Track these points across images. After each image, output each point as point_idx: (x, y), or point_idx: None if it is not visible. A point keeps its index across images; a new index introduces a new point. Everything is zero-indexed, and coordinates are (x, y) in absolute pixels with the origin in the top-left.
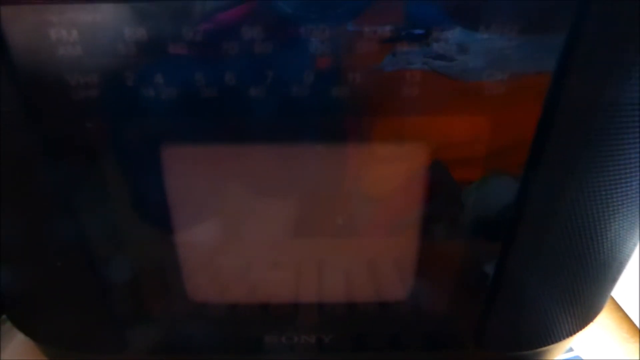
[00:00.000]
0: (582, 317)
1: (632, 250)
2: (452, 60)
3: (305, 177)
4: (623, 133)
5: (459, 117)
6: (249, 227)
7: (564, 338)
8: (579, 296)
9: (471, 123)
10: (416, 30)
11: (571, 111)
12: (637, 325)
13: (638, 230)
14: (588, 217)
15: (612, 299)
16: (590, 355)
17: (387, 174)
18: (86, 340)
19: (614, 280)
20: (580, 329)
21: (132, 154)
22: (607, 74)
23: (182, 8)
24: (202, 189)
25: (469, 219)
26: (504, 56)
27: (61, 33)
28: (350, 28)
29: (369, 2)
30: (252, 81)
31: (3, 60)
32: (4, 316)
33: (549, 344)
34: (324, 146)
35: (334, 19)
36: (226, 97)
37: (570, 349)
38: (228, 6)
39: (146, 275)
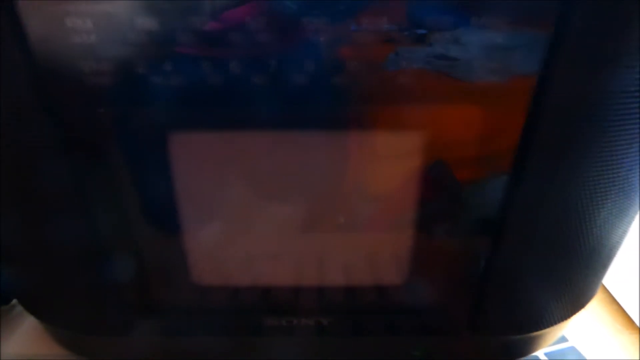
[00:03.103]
0: (573, 302)
1: (621, 238)
2: (454, 59)
3: (309, 169)
4: (609, 124)
5: (455, 114)
6: (252, 216)
7: (556, 323)
8: (569, 282)
9: (466, 119)
10: (417, 30)
11: (558, 105)
12: (631, 316)
13: (626, 218)
14: (576, 205)
15: (607, 291)
16: (585, 346)
17: (387, 169)
18: (94, 324)
19: (604, 267)
20: (572, 315)
21: (142, 140)
22: (592, 68)
23: (193, 3)
24: (208, 177)
25: (463, 212)
26: (497, 51)
27: (76, 22)
28: (353, 27)
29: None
30: (257, 76)
31: (21, 47)
32: (5, 307)
33: (541, 329)
34: (327, 139)
35: (337, 16)
36: (232, 88)
37: (566, 339)
38: (236, 4)
39: (152, 262)
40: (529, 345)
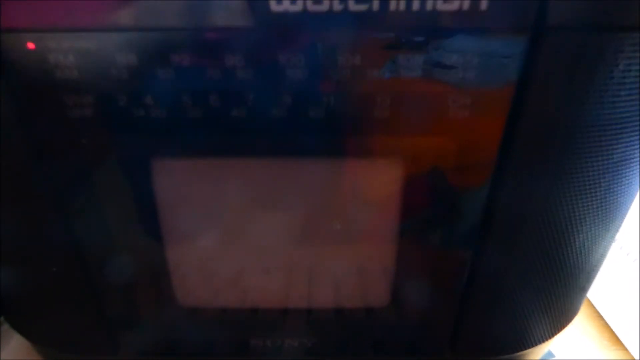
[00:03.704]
0: (555, 321)
1: (602, 257)
2: (453, 67)
3: (293, 188)
4: (585, 142)
5: (434, 127)
6: (236, 236)
7: (539, 342)
8: (551, 302)
9: (444, 134)
10: (416, 38)
11: (534, 120)
12: (617, 333)
13: (604, 242)
14: (555, 226)
15: (593, 307)
16: None
17: (370, 186)
18: (80, 342)
19: (584, 287)
20: (555, 334)
21: (125, 168)
22: (562, 103)
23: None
24: (191, 200)
25: (441, 228)
26: (476, 61)
27: (58, 58)
28: (351, 35)
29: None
30: (238, 109)
31: (3, 81)
32: (1, 317)
33: (524, 349)
34: (313, 158)
35: (335, 23)
36: (212, 114)
37: (552, 355)
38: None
39: (138, 281)
40: None
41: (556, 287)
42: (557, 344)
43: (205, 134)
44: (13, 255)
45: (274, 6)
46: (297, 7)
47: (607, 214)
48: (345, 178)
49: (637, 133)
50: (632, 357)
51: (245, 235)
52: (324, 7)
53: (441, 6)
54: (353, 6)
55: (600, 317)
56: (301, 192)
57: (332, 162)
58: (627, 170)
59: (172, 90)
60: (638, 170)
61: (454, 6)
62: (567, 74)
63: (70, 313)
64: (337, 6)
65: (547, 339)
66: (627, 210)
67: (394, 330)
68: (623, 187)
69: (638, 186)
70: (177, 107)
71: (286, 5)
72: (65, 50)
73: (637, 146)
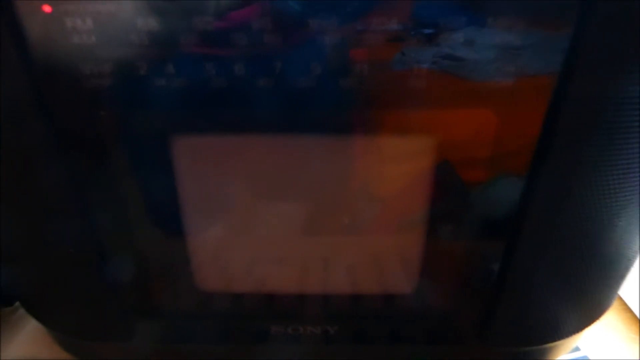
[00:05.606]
0: (588, 314)
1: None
2: (461, 60)
3: (314, 174)
4: (629, 128)
5: (467, 116)
6: (256, 221)
7: (569, 335)
8: (585, 293)
9: (479, 121)
10: (425, 30)
11: (576, 108)
12: None
13: None
14: (595, 213)
15: (620, 299)
16: (598, 355)
17: (395, 172)
18: (96, 329)
19: (621, 277)
20: (586, 327)
21: (143, 144)
22: (611, 70)
23: (195, 3)
24: (211, 180)
25: (475, 216)
26: (511, 54)
27: (76, 22)
28: (359, 27)
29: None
30: (262, 77)
31: (19, 48)
32: (8, 309)
33: (554, 341)
34: (332, 141)
35: (343, 17)
36: (235, 90)
37: (578, 349)
38: (240, 4)
39: (155, 266)
40: (540, 357)
41: (593, 276)
42: (583, 337)
43: (229, 106)
44: (28, 243)
45: None
46: None
47: None
48: (372, 156)
49: None
50: None
51: (267, 217)
52: None
53: None
54: None
55: (627, 309)
56: (327, 171)
57: (358, 137)
58: None
59: (196, 57)
60: None
61: None
62: (621, 31)
63: (86, 299)
64: None
65: (580, 330)
66: None
67: (420, 319)
68: None
69: None
70: (201, 76)
71: None
72: (82, 13)
73: None
